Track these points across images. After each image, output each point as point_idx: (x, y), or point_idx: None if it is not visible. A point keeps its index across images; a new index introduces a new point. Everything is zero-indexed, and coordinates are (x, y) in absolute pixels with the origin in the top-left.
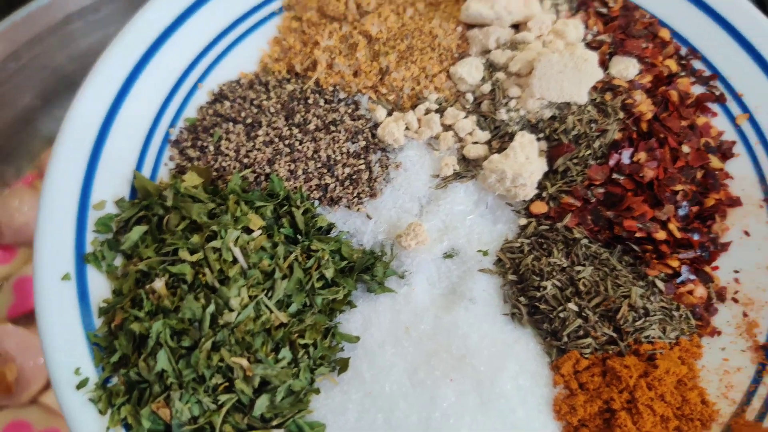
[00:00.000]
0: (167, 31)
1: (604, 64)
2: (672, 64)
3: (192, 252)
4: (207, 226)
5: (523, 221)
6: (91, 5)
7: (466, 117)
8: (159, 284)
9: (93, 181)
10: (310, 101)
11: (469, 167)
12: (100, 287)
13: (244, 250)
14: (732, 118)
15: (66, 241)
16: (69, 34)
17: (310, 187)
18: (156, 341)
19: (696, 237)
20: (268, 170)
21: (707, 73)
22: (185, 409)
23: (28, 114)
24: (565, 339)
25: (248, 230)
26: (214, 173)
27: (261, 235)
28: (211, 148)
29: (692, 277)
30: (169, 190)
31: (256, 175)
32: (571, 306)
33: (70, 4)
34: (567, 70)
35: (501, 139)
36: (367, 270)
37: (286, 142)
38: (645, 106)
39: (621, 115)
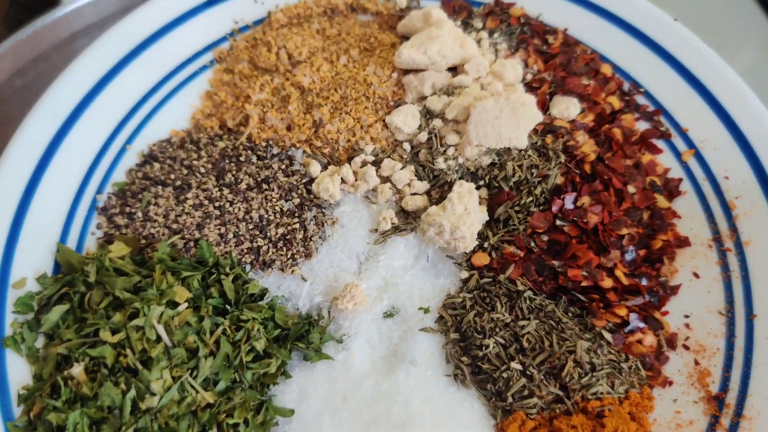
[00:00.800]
0: (92, 92)
1: (545, 105)
2: (615, 101)
3: (114, 332)
4: (130, 303)
5: (465, 274)
6: (96, 23)
7: (403, 167)
8: (77, 370)
9: (13, 257)
10: (242, 158)
11: (408, 220)
12: (20, 372)
13: (168, 327)
14: (678, 155)
15: None
16: (74, 51)
17: (242, 251)
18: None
19: (644, 282)
20: (197, 235)
21: (651, 108)
22: None
23: None
24: (510, 399)
25: (174, 303)
26: (143, 241)
27: (187, 308)
28: (140, 214)
29: (641, 325)
30: (92, 265)
31: (185, 241)
32: (515, 365)
33: (75, 23)
34: (504, 115)
35: (440, 189)
36: (303, 337)
37: (217, 204)
38: (588, 147)
39: (563, 158)
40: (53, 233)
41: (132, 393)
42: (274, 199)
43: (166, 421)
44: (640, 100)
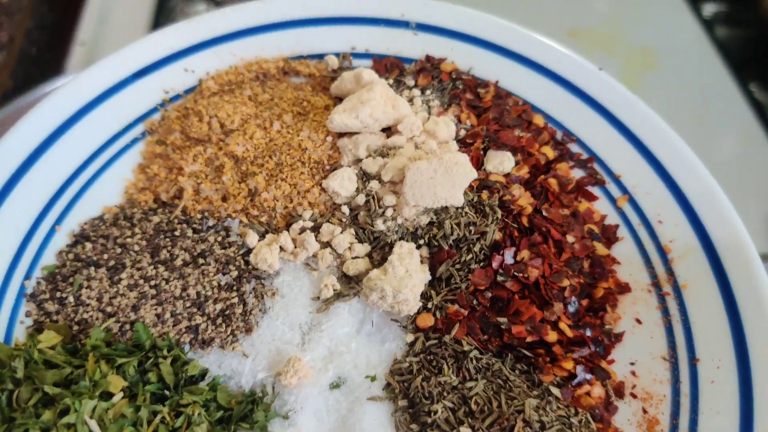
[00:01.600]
0: (18, 172)
1: (480, 161)
2: (549, 151)
3: (44, 431)
4: (60, 399)
5: (411, 337)
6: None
7: (343, 231)
8: None
9: None
10: (177, 233)
11: (351, 284)
12: None
13: (102, 422)
14: (613, 201)
15: None
16: None
17: (180, 330)
18: None
19: (588, 332)
20: (133, 317)
21: (585, 155)
22: None
23: None
24: None
25: (109, 394)
26: (75, 327)
27: (122, 398)
28: (71, 298)
29: (588, 376)
30: (19, 360)
31: (120, 324)
32: (464, 429)
33: None
34: (438, 174)
35: (381, 250)
36: (247, 416)
37: (152, 283)
38: (524, 200)
39: (499, 213)
40: None
41: None
42: (211, 274)
43: None
44: (574, 148)
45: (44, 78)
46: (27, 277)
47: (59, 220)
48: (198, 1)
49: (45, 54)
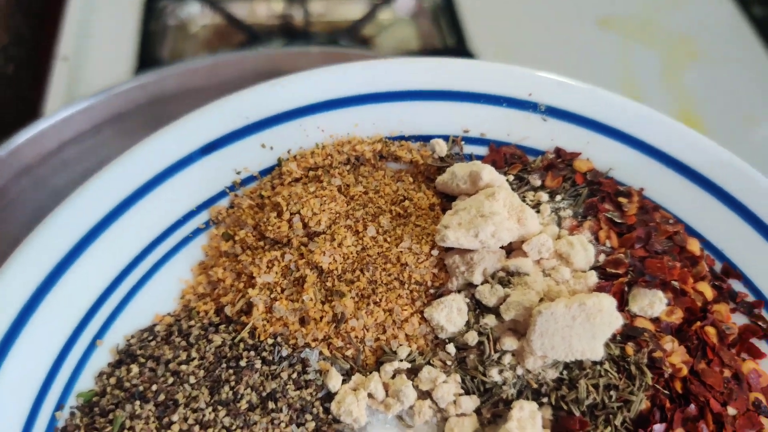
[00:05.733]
0: (55, 271)
1: (623, 298)
2: (707, 290)
3: None
4: None
5: None
6: (89, 129)
7: (447, 379)
8: None
9: None
10: (244, 363)
11: None
12: None
13: None
14: None
15: None
16: (64, 161)
17: None
18: None
19: None
20: None
21: (751, 297)
22: None
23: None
24: None
25: None
26: None
27: None
28: None
29: None
30: None
31: None
32: None
33: (64, 131)
34: (576, 323)
35: (494, 407)
36: None
37: (210, 431)
38: (677, 356)
39: (649, 377)
40: None
41: None
42: (283, 425)
43: None
44: (736, 286)
45: (23, 100)
46: (59, 406)
47: (101, 333)
48: (190, 1)
49: (23, 72)
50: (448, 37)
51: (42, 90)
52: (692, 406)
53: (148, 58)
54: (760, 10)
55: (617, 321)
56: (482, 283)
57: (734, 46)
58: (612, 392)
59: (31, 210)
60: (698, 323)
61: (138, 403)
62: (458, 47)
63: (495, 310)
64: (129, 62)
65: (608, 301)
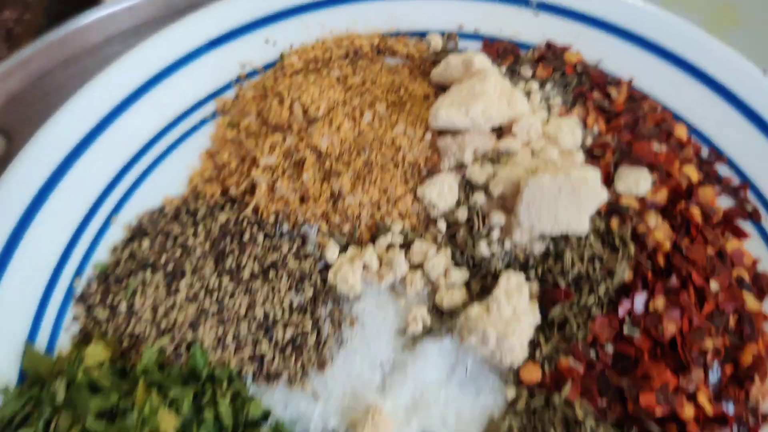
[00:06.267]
0: (73, 153)
1: (609, 178)
2: (692, 172)
3: None
4: None
5: (512, 392)
6: (131, 29)
7: (438, 252)
8: None
9: None
10: (246, 237)
11: (443, 319)
12: None
13: None
14: None
15: None
16: (108, 56)
17: (242, 359)
18: None
19: (731, 409)
20: (190, 337)
21: (737, 181)
22: None
23: None
24: None
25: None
26: (126, 341)
27: None
28: (124, 306)
29: None
30: (60, 381)
31: (175, 344)
32: None
33: (109, 27)
34: (562, 194)
35: (483, 280)
36: None
37: (215, 296)
38: (662, 232)
39: (632, 248)
40: (22, 327)
41: None
42: (283, 291)
43: None
44: (722, 170)
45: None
46: (77, 274)
47: (115, 210)
48: None
49: None
50: None
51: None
52: (674, 278)
53: None
54: None
55: (602, 194)
56: (473, 163)
57: None
58: (596, 263)
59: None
60: (683, 203)
61: (149, 271)
62: None
63: (484, 188)
64: None
65: (593, 174)
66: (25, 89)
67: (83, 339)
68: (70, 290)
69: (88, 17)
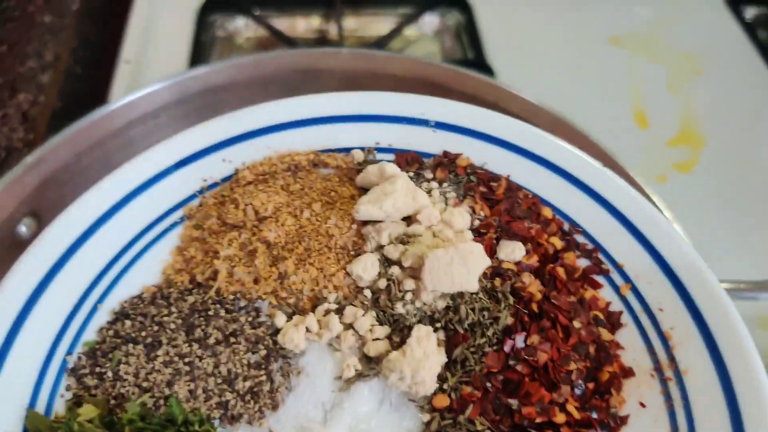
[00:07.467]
0: (66, 254)
1: (493, 249)
2: (557, 242)
3: None
4: None
5: (427, 417)
6: (151, 112)
7: (365, 314)
8: None
9: None
10: (211, 312)
11: (371, 365)
12: None
13: None
14: (616, 289)
15: None
16: (131, 138)
17: (211, 406)
18: None
19: (595, 415)
20: (167, 392)
21: (590, 246)
22: None
23: None
24: None
25: None
26: (113, 401)
27: None
28: (110, 373)
29: None
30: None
31: (155, 399)
32: None
33: (131, 112)
34: (455, 262)
35: (401, 333)
36: None
37: (186, 360)
38: (534, 287)
39: (511, 300)
40: (23, 396)
41: None
42: (242, 352)
43: None
44: (579, 239)
45: (90, 97)
46: (69, 352)
47: (101, 299)
48: (237, 17)
49: (90, 72)
50: (469, 52)
51: (106, 90)
52: (545, 320)
53: (199, 64)
54: (766, 34)
55: (485, 261)
56: (388, 244)
57: (738, 64)
58: (485, 313)
59: (99, 178)
60: (551, 265)
61: (131, 345)
62: (477, 60)
63: (398, 262)
64: (183, 68)
65: (477, 246)
66: (56, 173)
67: (75, 403)
68: (63, 365)
69: (113, 105)
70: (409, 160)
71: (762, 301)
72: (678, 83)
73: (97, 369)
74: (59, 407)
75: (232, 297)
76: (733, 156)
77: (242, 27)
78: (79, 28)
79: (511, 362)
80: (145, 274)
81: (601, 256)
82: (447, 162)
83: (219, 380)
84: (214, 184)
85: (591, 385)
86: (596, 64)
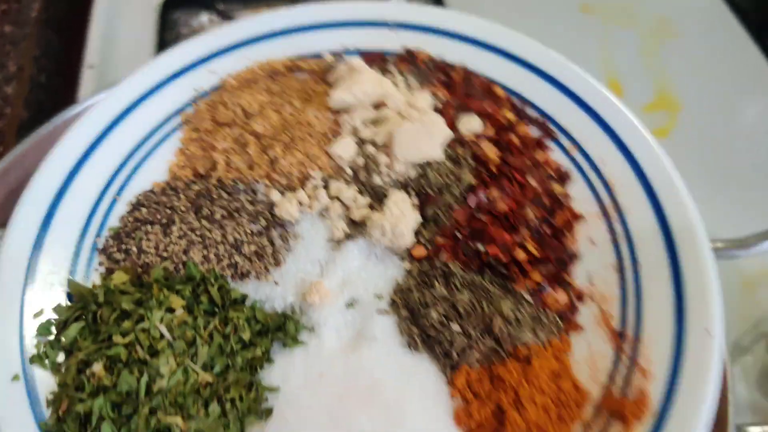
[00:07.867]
0: (84, 156)
1: (453, 125)
2: (510, 115)
3: (124, 335)
4: (135, 312)
5: (408, 265)
6: None
7: (348, 187)
8: (97, 367)
9: (25, 295)
10: (215, 196)
11: (357, 228)
12: (46, 383)
13: (169, 327)
14: (565, 151)
15: (13, 348)
16: None
17: (222, 266)
18: (99, 416)
19: (551, 252)
20: (184, 259)
21: (540, 117)
22: None
23: None
24: (455, 356)
25: (171, 310)
26: (139, 269)
27: (182, 312)
28: (134, 249)
29: (554, 286)
30: (100, 289)
31: (174, 264)
32: (455, 327)
33: None
34: (420, 134)
35: (380, 201)
36: (281, 329)
37: (198, 233)
38: (492, 152)
39: (472, 163)
40: (63, 273)
41: (145, 378)
42: (245, 224)
43: (175, 398)
44: (531, 113)
45: (56, 105)
46: (97, 236)
47: (119, 192)
48: (201, 12)
49: (55, 80)
50: None
51: (72, 96)
52: (504, 179)
53: None
54: None
55: (448, 131)
56: (362, 127)
57: (713, 25)
58: (450, 175)
59: None
60: (507, 134)
61: (149, 226)
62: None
63: (372, 141)
64: None
65: (439, 118)
66: (22, 184)
67: (108, 274)
68: (94, 246)
69: (72, 111)
70: (375, 59)
71: (742, 258)
72: (651, 47)
73: (123, 246)
74: (95, 279)
75: (231, 183)
76: (711, 118)
77: (206, 23)
78: (41, 37)
79: (477, 214)
80: (154, 173)
81: (550, 125)
82: (408, 57)
83: (227, 247)
84: (205, 93)
85: (548, 230)
86: (567, 32)
